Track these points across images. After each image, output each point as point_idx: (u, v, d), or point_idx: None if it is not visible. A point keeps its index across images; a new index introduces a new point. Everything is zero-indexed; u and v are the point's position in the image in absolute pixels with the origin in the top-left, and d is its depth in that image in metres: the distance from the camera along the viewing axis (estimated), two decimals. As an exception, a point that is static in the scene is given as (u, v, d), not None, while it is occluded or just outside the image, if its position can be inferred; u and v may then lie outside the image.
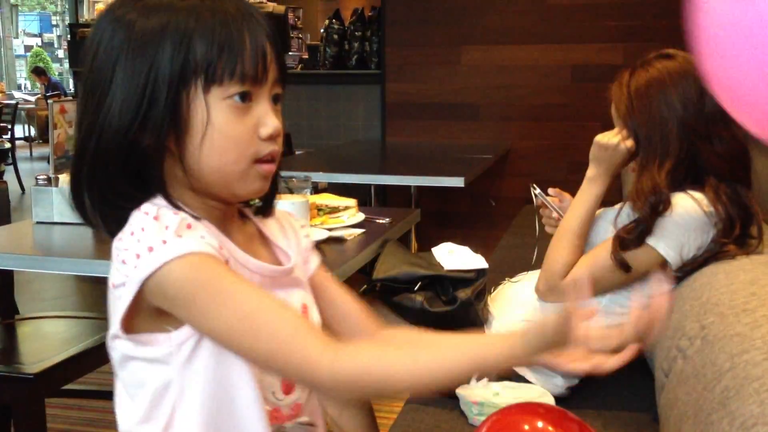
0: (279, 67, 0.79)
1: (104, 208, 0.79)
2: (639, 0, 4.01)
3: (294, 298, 0.86)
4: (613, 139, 1.51)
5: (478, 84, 4.24)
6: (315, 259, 0.93)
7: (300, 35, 6.60)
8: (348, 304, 0.94)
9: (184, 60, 0.74)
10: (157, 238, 0.71)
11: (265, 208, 0.88)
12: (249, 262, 0.81)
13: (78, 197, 0.80)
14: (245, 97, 0.76)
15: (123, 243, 0.73)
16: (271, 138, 0.78)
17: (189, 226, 0.73)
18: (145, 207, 0.75)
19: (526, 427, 0.87)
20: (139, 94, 0.74)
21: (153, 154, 0.76)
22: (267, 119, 0.78)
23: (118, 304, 0.74)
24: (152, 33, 0.75)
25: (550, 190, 1.75)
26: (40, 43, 21.04)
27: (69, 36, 6.02)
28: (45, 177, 1.88)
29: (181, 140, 0.76)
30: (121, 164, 0.76)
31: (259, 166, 0.78)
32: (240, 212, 0.87)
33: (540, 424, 0.87)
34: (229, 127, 0.75)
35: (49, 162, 1.95)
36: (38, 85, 13.36)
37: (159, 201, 0.77)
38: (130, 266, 0.72)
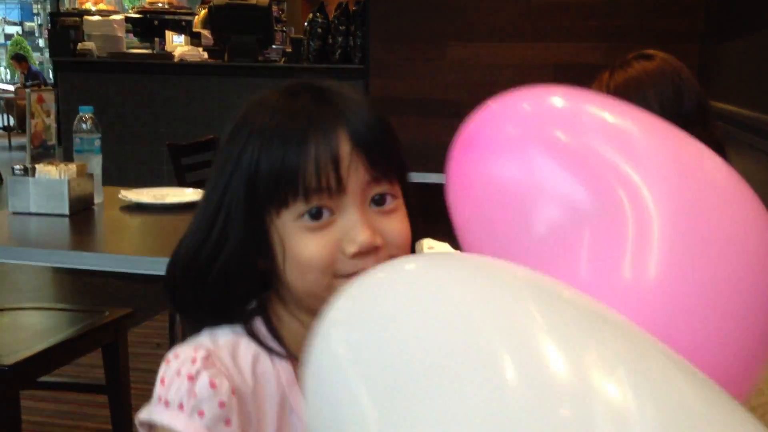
0: (373, 165, 0.68)
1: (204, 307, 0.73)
2: (622, 0, 4.03)
3: None
4: None
5: (462, 81, 4.24)
6: None
7: (284, 28, 6.58)
8: None
9: (251, 187, 0.68)
10: (177, 398, 0.66)
11: None
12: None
13: (176, 286, 0.74)
14: (319, 215, 0.66)
15: (165, 372, 0.68)
16: (360, 255, 0.66)
17: (213, 385, 0.66)
18: (201, 349, 0.69)
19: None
20: (212, 212, 0.69)
21: (235, 272, 0.70)
22: (354, 233, 0.66)
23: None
24: (236, 145, 0.69)
25: None
26: (20, 32, 20.78)
27: (50, 25, 5.94)
28: (22, 167, 1.85)
29: (270, 262, 0.70)
30: (212, 277, 0.70)
31: (344, 281, 0.65)
32: None
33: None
34: (302, 250, 0.67)
35: (26, 152, 1.93)
36: (18, 73, 13.21)
37: (237, 329, 0.71)
38: (153, 402, 0.68)
